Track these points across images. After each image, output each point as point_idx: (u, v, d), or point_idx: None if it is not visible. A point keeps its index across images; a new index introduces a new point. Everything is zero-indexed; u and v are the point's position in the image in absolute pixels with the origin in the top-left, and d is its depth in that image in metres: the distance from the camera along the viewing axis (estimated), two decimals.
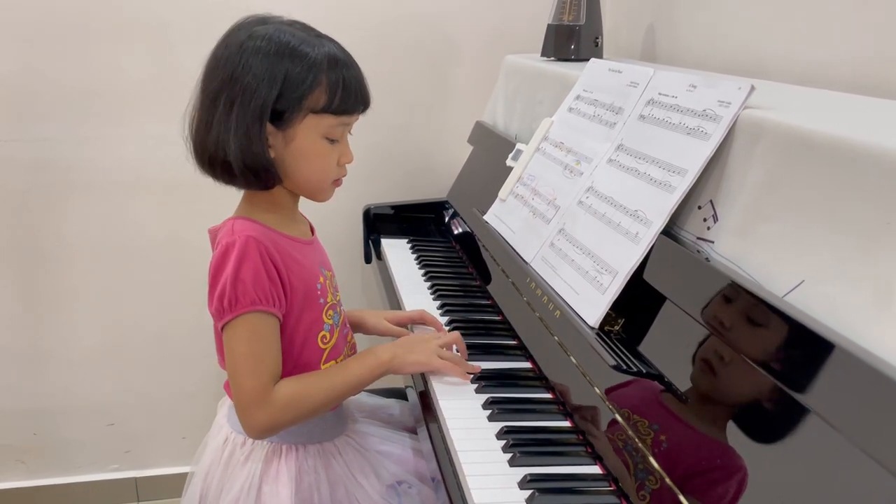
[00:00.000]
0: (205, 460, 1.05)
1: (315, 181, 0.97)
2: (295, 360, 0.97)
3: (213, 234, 0.98)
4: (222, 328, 0.92)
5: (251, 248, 0.90)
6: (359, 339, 1.16)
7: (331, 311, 1.01)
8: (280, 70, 0.88)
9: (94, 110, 1.60)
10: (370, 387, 1.28)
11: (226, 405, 1.06)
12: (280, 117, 0.90)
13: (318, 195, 1.00)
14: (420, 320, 1.17)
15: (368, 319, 1.18)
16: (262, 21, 0.93)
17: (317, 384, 0.95)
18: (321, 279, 1.00)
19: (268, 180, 0.93)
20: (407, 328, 1.18)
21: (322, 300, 1.00)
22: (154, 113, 1.61)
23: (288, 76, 0.88)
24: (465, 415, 0.93)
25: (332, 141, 0.95)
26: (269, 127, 0.90)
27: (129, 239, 1.69)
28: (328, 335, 1.01)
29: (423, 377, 1.03)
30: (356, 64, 0.95)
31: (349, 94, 0.92)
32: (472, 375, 1.00)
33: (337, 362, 1.02)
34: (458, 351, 1.05)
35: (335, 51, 0.93)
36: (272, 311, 0.92)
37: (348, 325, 1.10)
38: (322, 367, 1.00)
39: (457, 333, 1.06)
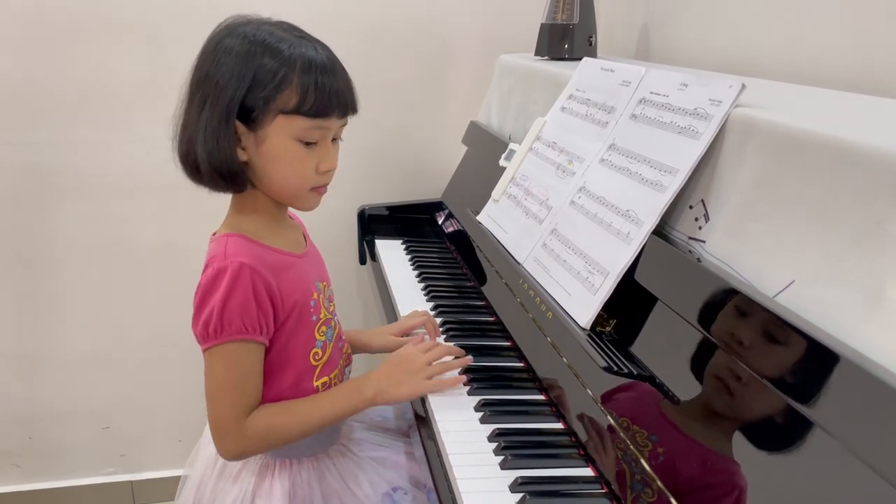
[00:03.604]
0: (197, 469, 1.04)
1: (290, 186, 0.93)
2: (286, 379, 0.95)
3: (210, 242, 0.96)
4: (204, 351, 0.91)
5: (243, 275, 0.88)
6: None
7: (324, 328, 0.99)
8: (250, 68, 0.85)
9: (86, 113, 1.59)
10: None
11: None
12: (249, 117, 0.87)
13: (297, 202, 0.95)
14: (422, 325, 1.15)
15: (373, 341, 1.16)
16: (246, 22, 0.91)
17: (293, 418, 0.93)
18: (315, 294, 0.98)
19: (235, 183, 0.90)
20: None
21: (315, 317, 0.97)
22: (146, 116, 1.60)
23: (256, 74, 0.86)
24: (457, 417, 0.92)
25: (307, 144, 0.90)
26: (241, 127, 0.88)
27: (122, 242, 1.69)
28: (320, 352, 0.98)
29: None
30: (341, 69, 0.92)
31: (322, 97, 0.87)
32: (465, 377, 0.99)
33: (331, 378, 1.00)
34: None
35: (314, 54, 0.88)
36: (257, 339, 0.90)
37: (344, 338, 1.08)
38: (315, 383, 0.98)
39: (444, 346, 1.04)
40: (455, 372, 1.00)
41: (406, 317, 1.19)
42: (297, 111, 0.87)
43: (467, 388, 0.98)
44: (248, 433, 0.90)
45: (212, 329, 0.88)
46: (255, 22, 0.91)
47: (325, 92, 0.88)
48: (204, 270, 0.91)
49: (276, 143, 0.89)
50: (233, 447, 0.91)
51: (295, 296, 0.94)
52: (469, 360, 1.01)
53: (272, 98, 0.86)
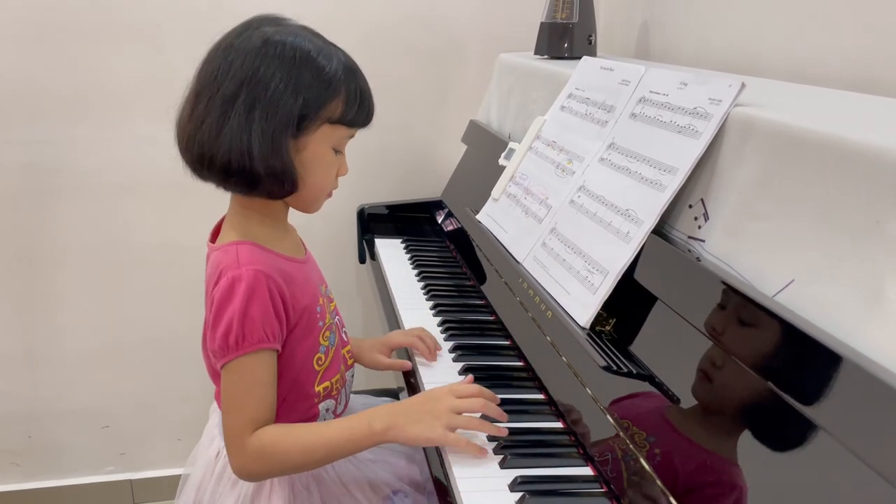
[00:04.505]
0: (197, 471, 1.03)
1: (316, 192, 0.94)
2: (289, 384, 0.94)
3: (213, 250, 0.94)
4: (222, 366, 0.87)
5: (260, 283, 0.86)
6: None
7: (328, 333, 0.98)
8: (303, 79, 0.86)
9: (86, 113, 1.60)
10: (360, 387, 1.27)
11: (216, 412, 1.04)
12: (298, 125, 0.87)
13: (312, 206, 0.96)
14: (413, 345, 1.09)
15: (365, 354, 1.13)
16: (274, 22, 0.89)
17: (292, 440, 0.87)
18: (321, 300, 0.97)
19: (290, 188, 0.89)
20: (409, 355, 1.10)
21: (321, 322, 0.97)
22: (146, 115, 1.60)
23: (311, 84, 0.86)
24: None
25: (336, 152, 0.93)
26: None
27: (121, 241, 1.69)
28: (323, 357, 0.98)
29: (414, 379, 1.02)
30: (363, 74, 0.94)
31: (364, 106, 0.92)
32: (490, 447, 0.85)
33: (332, 382, 0.99)
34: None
35: (348, 61, 0.91)
36: (276, 347, 0.89)
37: (347, 341, 1.07)
38: (316, 388, 0.97)
39: (477, 387, 0.89)
40: (483, 437, 0.86)
41: (398, 332, 1.14)
42: (342, 121, 0.90)
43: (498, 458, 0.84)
44: (248, 450, 0.86)
45: (233, 340, 0.85)
46: (285, 24, 0.90)
47: (366, 101, 0.92)
48: (216, 282, 0.89)
49: (317, 151, 0.90)
50: (235, 462, 0.88)
51: (304, 301, 0.93)
52: (504, 432, 0.86)
53: (322, 107, 0.88)
